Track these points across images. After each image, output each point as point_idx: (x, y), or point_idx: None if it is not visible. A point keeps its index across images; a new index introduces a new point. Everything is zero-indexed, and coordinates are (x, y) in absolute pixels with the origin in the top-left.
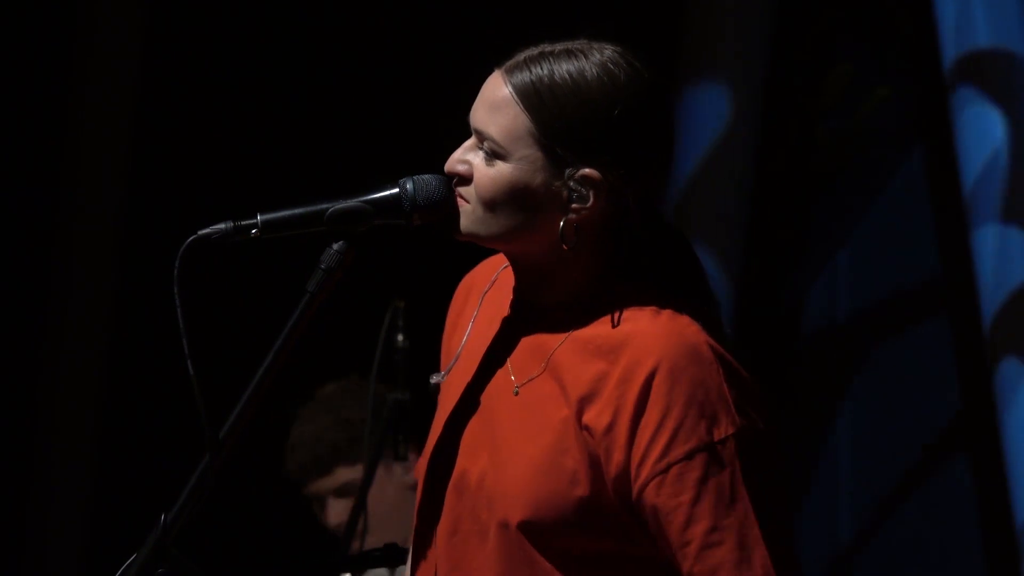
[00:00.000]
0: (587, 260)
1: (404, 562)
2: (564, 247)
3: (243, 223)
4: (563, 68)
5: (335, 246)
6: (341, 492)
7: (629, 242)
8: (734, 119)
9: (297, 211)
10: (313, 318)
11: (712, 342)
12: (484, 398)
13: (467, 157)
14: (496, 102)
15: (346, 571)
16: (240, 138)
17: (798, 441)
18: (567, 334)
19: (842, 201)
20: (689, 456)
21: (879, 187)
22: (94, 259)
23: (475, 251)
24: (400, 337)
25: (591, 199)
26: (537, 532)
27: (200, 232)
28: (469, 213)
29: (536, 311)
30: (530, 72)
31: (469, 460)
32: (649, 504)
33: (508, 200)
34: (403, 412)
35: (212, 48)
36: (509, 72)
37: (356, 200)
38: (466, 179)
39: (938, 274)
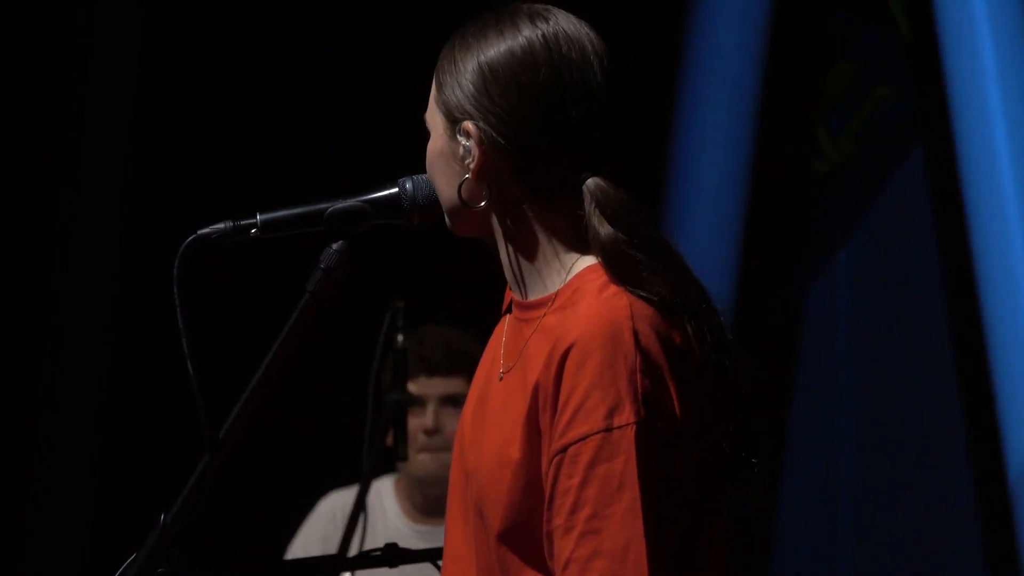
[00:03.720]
0: (535, 239)
1: (404, 562)
2: (469, 203)
3: (243, 223)
4: (462, 33)
5: (335, 246)
6: (448, 400)
7: (564, 214)
8: (734, 119)
9: (296, 211)
10: (313, 318)
11: (645, 329)
12: (487, 387)
13: None
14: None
15: (346, 571)
16: (240, 138)
17: (798, 441)
18: (538, 322)
19: (842, 201)
20: (583, 438)
21: (879, 187)
22: (94, 259)
23: (475, 252)
24: (400, 337)
25: (473, 152)
26: (509, 534)
27: (200, 232)
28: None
29: (521, 303)
30: (451, 42)
31: (471, 445)
32: (548, 484)
33: (434, 171)
34: (403, 412)
35: (212, 48)
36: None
37: (355, 200)
38: None
39: (938, 274)
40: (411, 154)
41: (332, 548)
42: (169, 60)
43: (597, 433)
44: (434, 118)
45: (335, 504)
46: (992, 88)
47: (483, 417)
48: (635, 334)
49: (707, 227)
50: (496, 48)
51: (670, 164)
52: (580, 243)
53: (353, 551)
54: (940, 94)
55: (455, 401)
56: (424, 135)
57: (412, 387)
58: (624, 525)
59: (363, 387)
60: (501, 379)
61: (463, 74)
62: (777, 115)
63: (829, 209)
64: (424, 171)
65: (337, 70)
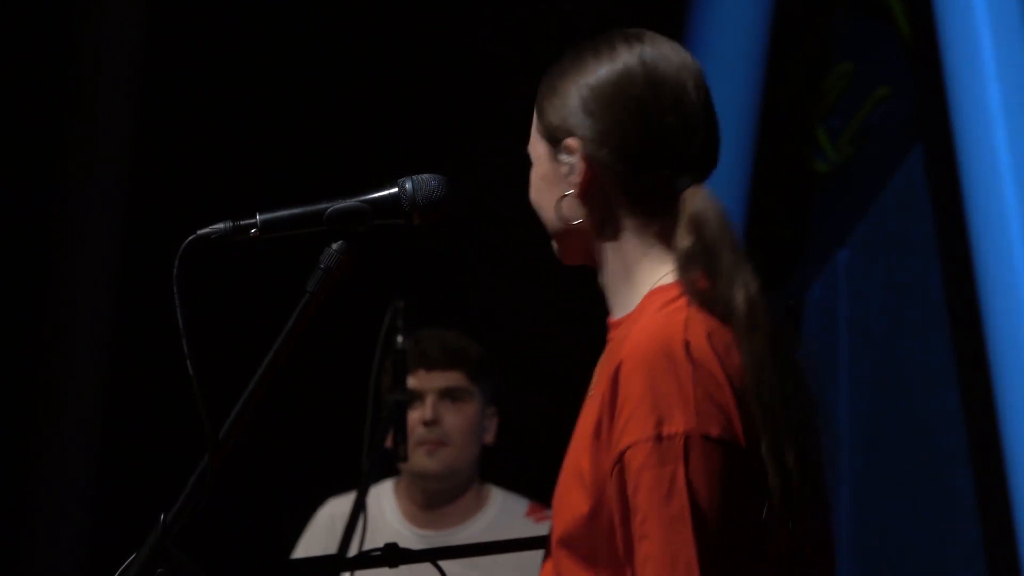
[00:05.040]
0: (628, 257)
1: (404, 562)
2: (569, 222)
3: (242, 223)
4: (559, 61)
5: (334, 246)
6: (447, 394)
7: (652, 226)
8: (734, 119)
9: (296, 211)
10: (313, 318)
11: (699, 341)
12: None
13: None
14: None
15: (346, 571)
16: (241, 138)
17: None
18: (614, 340)
19: (842, 201)
20: (633, 445)
21: (879, 187)
22: (94, 259)
23: (473, 251)
24: (400, 337)
25: (577, 166)
26: (566, 539)
27: (200, 232)
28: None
29: (609, 323)
30: (546, 76)
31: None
32: (613, 498)
33: (539, 199)
34: (403, 412)
35: (212, 48)
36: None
37: (355, 200)
38: None
39: (938, 274)
40: (411, 154)
41: None
42: (170, 59)
43: (646, 441)
44: (536, 147)
45: (333, 512)
46: (992, 88)
47: (573, 435)
48: (686, 345)
49: None
50: (595, 68)
51: None
52: (668, 259)
53: (353, 552)
54: (940, 94)
55: (453, 395)
56: (440, 137)
57: (411, 381)
58: (673, 531)
59: (363, 387)
60: (587, 398)
61: (563, 96)
62: (777, 115)
63: (829, 209)
64: (423, 172)
65: (337, 70)
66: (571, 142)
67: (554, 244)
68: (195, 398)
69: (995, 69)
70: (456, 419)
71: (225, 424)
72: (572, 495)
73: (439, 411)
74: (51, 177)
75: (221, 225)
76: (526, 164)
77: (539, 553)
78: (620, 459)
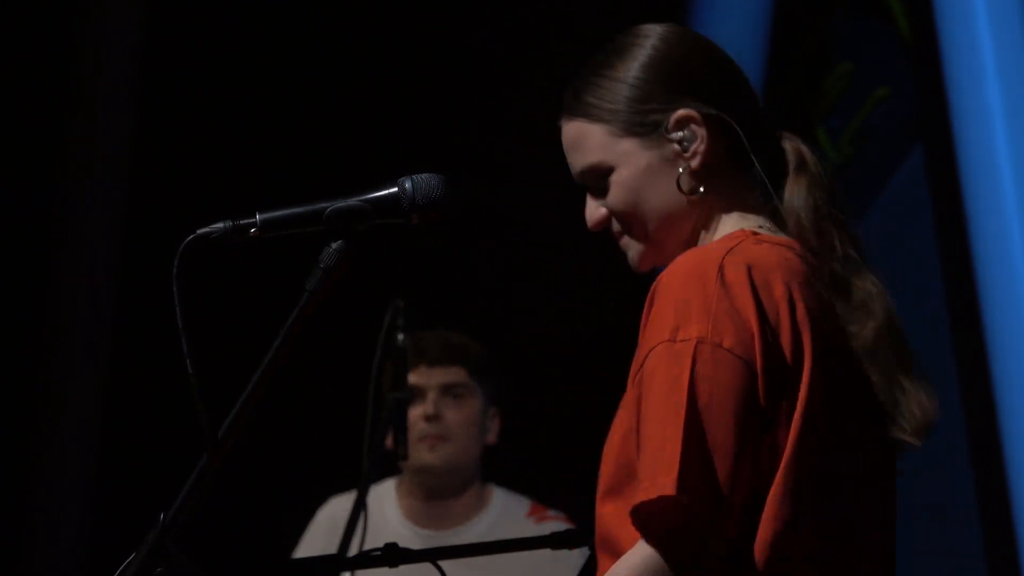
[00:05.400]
0: (713, 213)
1: (404, 562)
2: (690, 197)
3: (242, 222)
4: (590, 68)
5: (334, 245)
6: (447, 390)
7: (747, 175)
8: None
9: (296, 210)
10: (312, 318)
11: (736, 268)
12: None
13: (595, 207)
14: (572, 142)
15: (346, 571)
16: (240, 138)
17: None
18: None
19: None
20: (653, 349)
21: (879, 187)
22: (94, 259)
23: (473, 251)
24: (400, 337)
25: (699, 133)
26: (608, 493)
27: (199, 231)
28: (635, 243)
29: None
30: (571, 94)
31: None
32: (632, 399)
33: (644, 193)
34: (403, 412)
35: (212, 48)
36: (562, 112)
37: (355, 199)
38: (610, 221)
39: (938, 274)
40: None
41: None
42: (170, 59)
43: (662, 344)
44: (613, 151)
45: (334, 512)
46: (992, 88)
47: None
48: (721, 268)
49: None
50: (641, 48)
51: None
52: (751, 209)
53: (353, 552)
54: (940, 94)
55: (454, 391)
56: (440, 137)
57: (412, 377)
58: (666, 423)
59: (363, 387)
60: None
61: (625, 83)
62: (777, 115)
63: None
64: (422, 171)
65: (337, 70)
66: (682, 113)
67: (640, 248)
68: (194, 398)
69: (995, 69)
70: (457, 415)
71: (224, 424)
72: (615, 435)
73: (440, 407)
74: (51, 177)
75: (221, 224)
76: (526, 164)
77: (540, 554)
78: (642, 365)
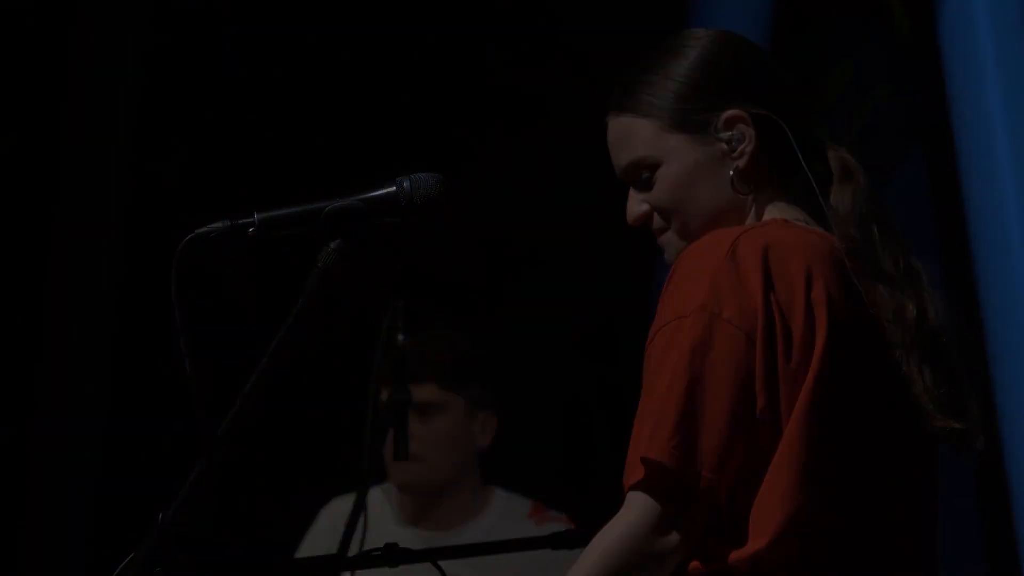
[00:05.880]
0: (754, 211)
1: (404, 562)
2: (736, 196)
3: (240, 222)
4: (640, 66)
5: (332, 245)
6: (421, 410)
7: (787, 176)
8: None
9: (294, 210)
10: (311, 317)
11: (749, 247)
12: None
13: (637, 202)
14: (619, 136)
15: (346, 571)
16: (240, 138)
17: None
18: None
19: None
20: (659, 330)
21: (879, 187)
22: (94, 259)
23: (473, 251)
24: (400, 337)
25: (745, 133)
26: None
27: (198, 231)
28: (675, 240)
29: None
30: (620, 90)
31: None
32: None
33: (689, 190)
34: (403, 412)
35: (213, 47)
36: (610, 108)
37: (353, 199)
38: (651, 217)
39: (938, 274)
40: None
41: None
42: (170, 59)
43: (667, 324)
44: (662, 146)
45: (336, 512)
46: (992, 88)
47: None
48: (733, 247)
49: None
50: (692, 48)
51: None
52: (786, 205)
53: (353, 552)
54: (940, 94)
55: (421, 410)
56: (440, 137)
57: (384, 393)
58: (662, 388)
59: (363, 387)
60: None
61: (675, 81)
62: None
63: None
64: (422, 171)
65: (337, 69)
66: (731, 114)
67: (680, 246)
68: (193, 397)
69: (995, 69)
70: (424, 433)
71: (223, 423)
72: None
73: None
74: (51, 177)
75: (219, 224)
76: (525, 164)
77: (540, 554)
78: (653, 339)
